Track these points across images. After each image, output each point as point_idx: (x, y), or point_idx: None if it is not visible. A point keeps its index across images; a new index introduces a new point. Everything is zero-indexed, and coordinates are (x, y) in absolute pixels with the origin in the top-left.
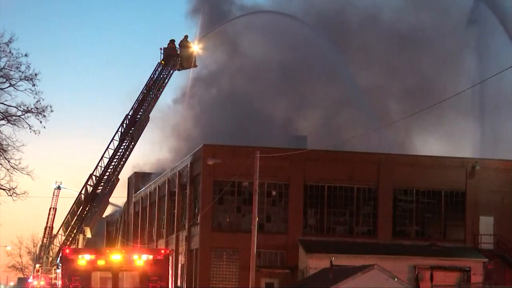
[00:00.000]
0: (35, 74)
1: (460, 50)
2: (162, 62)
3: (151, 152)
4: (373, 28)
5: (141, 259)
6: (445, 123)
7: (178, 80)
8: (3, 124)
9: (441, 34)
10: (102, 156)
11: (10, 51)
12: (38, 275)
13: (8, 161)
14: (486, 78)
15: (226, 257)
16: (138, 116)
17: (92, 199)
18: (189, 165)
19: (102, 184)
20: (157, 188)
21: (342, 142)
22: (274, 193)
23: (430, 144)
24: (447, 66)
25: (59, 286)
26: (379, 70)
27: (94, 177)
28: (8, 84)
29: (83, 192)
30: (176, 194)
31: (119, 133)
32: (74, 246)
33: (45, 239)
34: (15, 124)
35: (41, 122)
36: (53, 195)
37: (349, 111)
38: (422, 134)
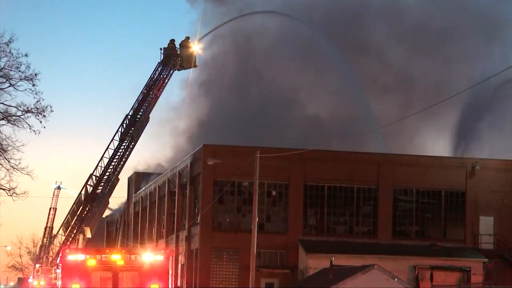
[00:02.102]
0: (35, 74)
1: (475, 50)
2: (162, 62)
3: (151, 151)
4: (389, 24)
5: (141, 259)
6: (449, 123)
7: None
8: (3, 124)
9: (457, 33)
10: (102, 156)
11: (10, 51)
12: (38, 275)
13: (8, 161)
14: (485, 78)
15: (226, 257)
16: (138, 116)
17: (92, 199)
18: (189, 165)
19: (102, 184)
20: (157, 188)
21: (343, 142)
22: (274, 193)
23: (436, 143)
24: (462, 66)
25: (59, 286)
26: (394, 66)
27: (94, 177)
28: (8, 84)
29: (83, 192)
30: (176, 194)
31: (119, 133)
32: (74, 246)
33: (45, 239)
34: (15, 124)
35: (41, 122)
36: (53, 195)
37: (350, 110)
38: (428, 133)
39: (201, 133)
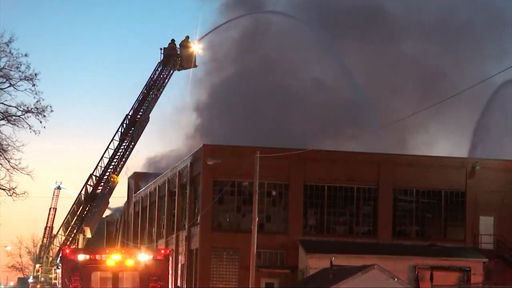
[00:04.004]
0: (35, 74)
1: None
2: (162, 62)
3: (152, 151)
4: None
5: (141, 259)
6: (450, 122)
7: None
8: (3, 124)
9: (475, 31)
10: (102, 156)
11: (10, 51)
12: (38, 275)
13: (8, 161)
14: (486, 78)
15: (226, 257)
16: (138, 116)
17: (92, 199)
18: (189, 165)
19: (102, 184)
20: (157, 188)
21: (344, 142)
22: (274, 193)
23: (439, 143)
24: (474, 64)
25: (59, 286)
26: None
27: (94, 177)
28: (8, 84)
29: (83, 192)
30: (176, 194)
31: (119, 133)
32: (74, 246)
33: (45, 239)
34: (15, 124)
35: (41, 122)
36: (53, 195)
37: (351, 111)
38: (434, 131)
39: (202, 133)
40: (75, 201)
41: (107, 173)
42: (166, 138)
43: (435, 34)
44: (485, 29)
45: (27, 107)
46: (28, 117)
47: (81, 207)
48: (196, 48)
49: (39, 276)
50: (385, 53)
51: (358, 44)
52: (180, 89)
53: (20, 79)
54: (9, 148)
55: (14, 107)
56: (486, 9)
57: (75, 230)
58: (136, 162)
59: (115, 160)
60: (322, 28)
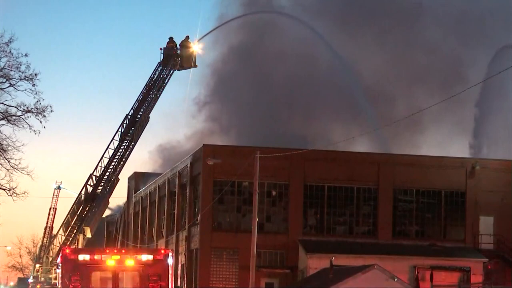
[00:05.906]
0: (35, 74)
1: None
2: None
3: (151, 151)
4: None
5: (141, 259)
6: (451, 121)
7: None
8: (3, 124)
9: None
10: (102, 156)
11: (10, 51)
12: (38, 275)
13: (8, 161)
14: (486, 78)
15: (226, 257)
16: (138, 116)
17: (92, 199)
18: (189, 165)
19: (102, 184)
20: (157, 188)
21: (344, 142)
22: (274, 193)
23: (440, 142)
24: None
25: (59, 286)
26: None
27: (94, 177)
28: (8, 84)
29: (83, 192)
30: (176, 194)
31: (119, 133)
32: (74, 246)
33: (45, 239)
34: (15, 124)
35: (41, 122)
36: (53, 195)
37: (351, 111)
38: (441, 129)
39: (202, 133)
40: (75, 201)
41: (107, 173)
42: (167, 138)
43: (453, 26)
44: (500, 25)
45: (27, 107)
46: (28, 117)
47: (81, 207)
48: (196, 48)
49: (39, 276)
50: (398, 43)
51: (366, 34)
52: (180, 89)
53: (20, 79)
54: (9, 148)
55: (14, 107)
56: (505, 4)
57: (75, 230)
58: (138, 159)
59: (115, 160)
60: (328, 18)
